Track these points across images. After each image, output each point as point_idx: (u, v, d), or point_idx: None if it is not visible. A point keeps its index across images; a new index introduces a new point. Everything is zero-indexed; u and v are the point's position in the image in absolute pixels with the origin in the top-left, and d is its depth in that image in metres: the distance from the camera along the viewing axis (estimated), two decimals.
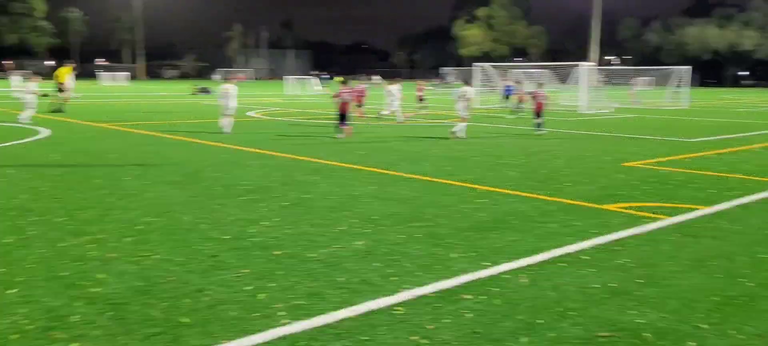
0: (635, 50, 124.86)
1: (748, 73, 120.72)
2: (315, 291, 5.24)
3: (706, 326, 4.67)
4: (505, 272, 5.80)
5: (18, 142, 15.53)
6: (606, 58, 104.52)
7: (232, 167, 11.84)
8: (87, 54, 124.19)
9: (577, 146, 16.30)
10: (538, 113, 19.51)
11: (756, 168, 12.78)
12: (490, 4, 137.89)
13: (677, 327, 4.64)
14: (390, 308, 4.91)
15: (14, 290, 5.15)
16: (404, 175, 11.22)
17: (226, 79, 19.69)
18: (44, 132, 17.80)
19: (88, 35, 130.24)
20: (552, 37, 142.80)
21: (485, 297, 5.16)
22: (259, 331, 4.44)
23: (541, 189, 9.99)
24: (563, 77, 38.10)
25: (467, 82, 19.47)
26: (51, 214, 7.82)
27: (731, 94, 71.94)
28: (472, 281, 5.53)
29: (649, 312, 4.91)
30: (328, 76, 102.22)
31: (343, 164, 12.38)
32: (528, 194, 9.54)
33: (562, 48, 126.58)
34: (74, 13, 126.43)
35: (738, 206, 8.98)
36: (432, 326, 4.57)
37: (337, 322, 4.62)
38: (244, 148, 14.75)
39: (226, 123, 18.23)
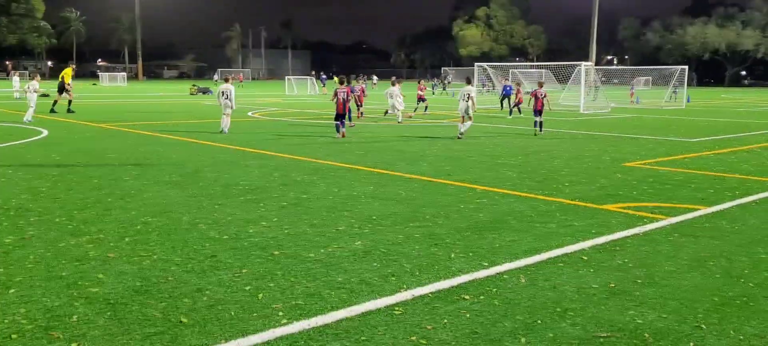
0: (635, 50, 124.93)
1: (745, 73, 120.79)
2: (313, 291, 5.24)
3: (705, 326, 4.67)
4: (503, 272, 5.81)
5: (18, 142, 15.53)
6: (608, 57, 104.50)
7: (231, 167, 11.84)
8: (86, 54, 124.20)
9: (576, 146, 16.30)
10: (538, 112, 19.50)
11: (755, 168, 12.79)
12: (490, 4, 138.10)
13: (676, 327, 4.64)
14: (388, 308, 4.91)
15: (13, 290, 5.16)
16: (403, 175, 11.22)
17: (225, 79, 19.68)
18: (43, 132, 17.80)
19: (87, 36, 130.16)
20: (551, 36, 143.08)
21: (484, 297, 5.17)
22: (258, 331, 4.44)
23: (540, 189, 9.99)
24: (563, 77, 38.12)
25: (470, 81, 19.39)
26: (50, 214, 7.83)
27: (731, 93, 71.98)
28: (471, 281, 5.54)
29: (648, 312, 4.91)
30: (328, 76, 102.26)
31: (342, 164, 12.38)
32: (527, 194, 9.55)
33: (561, 48, 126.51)
34: (74, 14, 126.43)
35: (737, 206, 8.98)
36: (430, 326, 4.57)
37: (335, 322, 4.62)
38: (243, 149, 14.74)
39: (225, 123, 18.27)
